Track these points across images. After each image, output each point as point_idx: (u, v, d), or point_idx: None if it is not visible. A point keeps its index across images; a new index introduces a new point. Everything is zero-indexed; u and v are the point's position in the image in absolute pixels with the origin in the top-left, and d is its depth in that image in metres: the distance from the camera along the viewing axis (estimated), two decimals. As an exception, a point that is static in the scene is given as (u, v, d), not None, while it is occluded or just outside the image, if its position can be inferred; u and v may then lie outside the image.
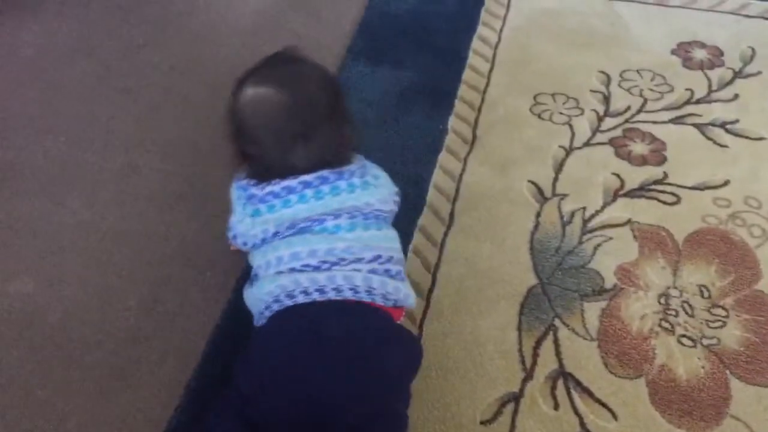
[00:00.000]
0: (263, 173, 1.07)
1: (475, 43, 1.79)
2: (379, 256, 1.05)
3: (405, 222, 1.38)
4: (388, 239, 1.09)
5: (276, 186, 1.05)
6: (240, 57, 1.71)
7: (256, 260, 1.07)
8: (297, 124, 1.04)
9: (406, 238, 1.35)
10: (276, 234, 1.05)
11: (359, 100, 1.63)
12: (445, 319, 1.23)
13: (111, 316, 1.23)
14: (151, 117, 1.59)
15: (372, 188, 1.09)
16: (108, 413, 1.11)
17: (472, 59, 1.75)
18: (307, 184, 1.04)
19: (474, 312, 1.24)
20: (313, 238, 1.03)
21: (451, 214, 1.40)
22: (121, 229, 1.36)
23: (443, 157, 1.51)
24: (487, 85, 1.68)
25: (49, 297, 1.26)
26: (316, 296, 1.00)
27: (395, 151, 1.53)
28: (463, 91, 1.67)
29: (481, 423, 1.10)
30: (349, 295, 1.00)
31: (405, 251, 1.32)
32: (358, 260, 1.03)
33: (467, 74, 1.71)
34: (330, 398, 0.94)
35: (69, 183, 1.45)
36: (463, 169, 1.49)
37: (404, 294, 1.06)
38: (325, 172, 1.05)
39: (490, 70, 1.72)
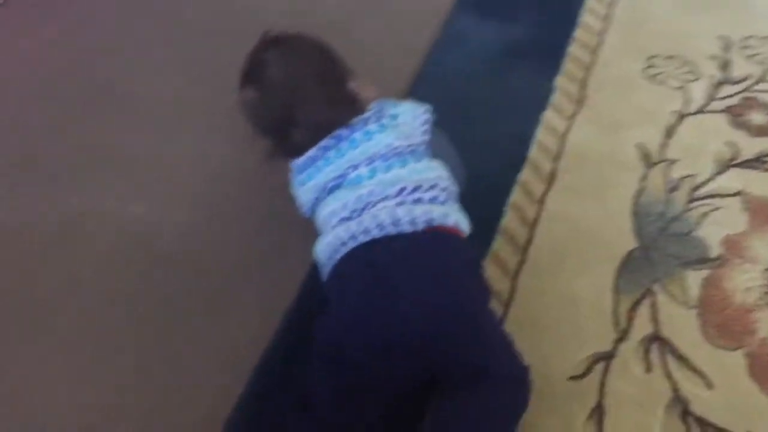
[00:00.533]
0: (292, 152, 1.15)
1: (590, 1, 1.74)
2: (404, 189, 1.07)
3: (505, 177, 1.38)
4: (415, 171, 1.11)
5: (302, 159, 1.14)
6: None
7: (317, 224, 1.14)
8: (279, 110, 1.14)
9: (505, 193, 1.35)
10: (317, 199, 1.13)
11: (465, 53, 1.62)
12: (540, 275, 1.23)
13: (217, 243, 1.29)
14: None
15: (389, 129, 1.12)
16: (211, 333, 1.17)
17: (586, 17, 1.71)
18: (326, 148, 1.12)
19: (571, 270, 1.23)
20: (341, 193, 1.09)
21: (553, 173, 1.39)
22: (231, 163, 1.41)
23: (548, 115, 1.49)
24: (599, 44, 1.64)
25: (161, 221, 1.32)
26: (352, 244, 1.04)
27: (499, 106, 1.51)
28: (573, 49, 1.63)
29: (570, 378, 1.10)
30: (376, 233, 1.04)
31: (503, 205, 1.33)
32: (384, 199, 1.07)
33: (579, 32, 1.67)
34: (403, 319, 0.98)
35: (183, 118, 1.51)
36: (569, 128, 1.46)
37: (440, 214, 1.07)
38: (338, 131, 1.11)
39: (604, 30, 1.67)
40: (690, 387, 1.08)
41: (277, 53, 1.17)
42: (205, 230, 1.31)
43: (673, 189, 1.34)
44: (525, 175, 1.38)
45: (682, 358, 1.11)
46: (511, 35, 1.66)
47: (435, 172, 1.12)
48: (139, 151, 1.45)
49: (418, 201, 1.07)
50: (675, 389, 1.08)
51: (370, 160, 1.10)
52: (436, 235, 1.06)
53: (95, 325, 1.19)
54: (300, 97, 1.14)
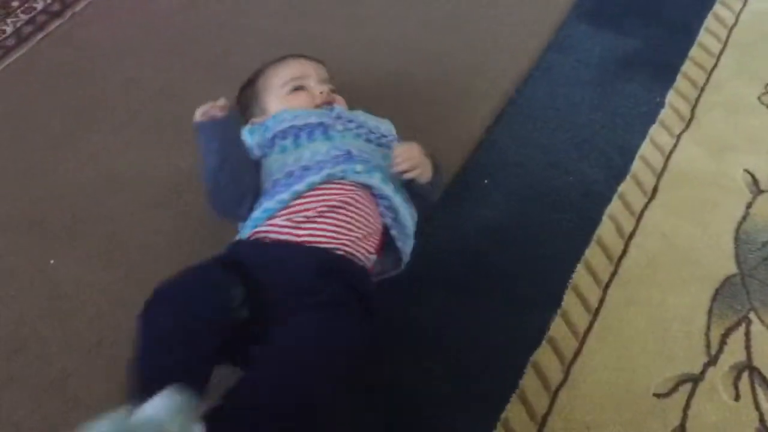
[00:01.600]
0: None
1: (709, 22, 1.70)
2: None
3: (604, 186, 1.37)
4: None
5: None
6: None
7: None
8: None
9: (603, 202, 1.34)
10: None
11: (576, 60, 1.61)
12: (631, 288, 1.21)
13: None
14: None
15: None
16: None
17: (703, 37, 1.67)
18: None
19: (664, 287, 1.21)
20: None
21: (655, 188, 1.36)
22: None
23: (655, 130, 1.46)
24: (715, 65, 1.60)
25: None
26: None
27: (606, 116, 1.49)
28: (687, 67, 1.59)
29: (654, 395, 1.08)
30: None
31: (600, 214, 1.31)
32: None
33: (695, 51, 1.63)
34: None
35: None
36: (675, 146, 1.43)
37: None
38: None
39: (721, 51, 1.63)
40: (779, 420, 1.05)
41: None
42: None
43: (780, 219, 1.30)
44: (626, 187, 1.36)
45: (773, 391, 1.08)
46: (625, 47, 1.64)
47: None
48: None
49: None
50: (762, 420, 1.05)
51: None
52: None
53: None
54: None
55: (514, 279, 1.24)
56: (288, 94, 1.28)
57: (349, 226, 1.11)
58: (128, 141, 1.43)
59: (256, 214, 1.13)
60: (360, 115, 1.29)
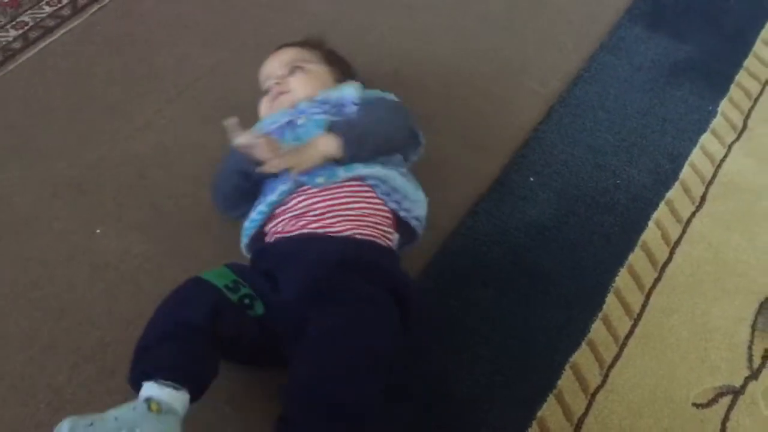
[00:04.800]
0: None
1: (766, 32, 1.67)
2: None
3: (651, 192, 1.35)
4: None
5: None
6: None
7: None
8: None
9: (650, 207, 1.33)
10: None
11: (629, 63, 1.59)
12: (674, 296, 1.20)
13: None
14: None
15: None
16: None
17: (759, 48, 1.64)
18: None
19: (708, 297, 1.19)
20: None
21: (703, 197, 1.34)
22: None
23: (706, 139, 1.44)
24: (770, 77, 1.58)
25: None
26: None
27: (656, 121, 1.48)
28: (742, 77, 1.57)
29: (694, 405, 1.07)
30: None
31: (646, 219, 1.30)
32: None
33: (750, 61, 1.61)
34: None
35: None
36: (726, 156, 1.41)
37: None
38: None
39: (777, 63, 1.61)
40: (820, 439, 1.04)
41: None
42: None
43: (831, 237, 1.28)
44: (674, 193, 1.34)
45: (815, 409, 1.06)
46: (679, 52, 1.62)
47: None
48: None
49: None
50: (803, 439, 1.04)
51: None
52: None
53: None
54: None
55: (555, 278, 1.23)
56: (264, 99, 1.28)
57: (352, 213, 1.10)
58: (176, 115, 1.44)
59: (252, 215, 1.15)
60: (325, 91, 1.24)
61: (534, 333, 1.15)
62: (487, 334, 1.15)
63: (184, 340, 0.94)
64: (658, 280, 1.22)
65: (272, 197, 1.12)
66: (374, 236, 1.10)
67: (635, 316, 1.17)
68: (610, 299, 1.19)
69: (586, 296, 1.20)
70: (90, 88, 1.48)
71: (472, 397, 1.08)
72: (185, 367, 0.92)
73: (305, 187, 1.12)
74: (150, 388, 0.89)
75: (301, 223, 1.10)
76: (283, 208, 1.13)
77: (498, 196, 1.34)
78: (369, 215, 1.11)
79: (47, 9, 1.60)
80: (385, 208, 1.14)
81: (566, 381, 1.10)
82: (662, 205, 1.33)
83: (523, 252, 1.26)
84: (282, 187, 1.12)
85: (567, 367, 1.11)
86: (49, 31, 1.56)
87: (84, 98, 1.45)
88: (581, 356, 1.12)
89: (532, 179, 1.37)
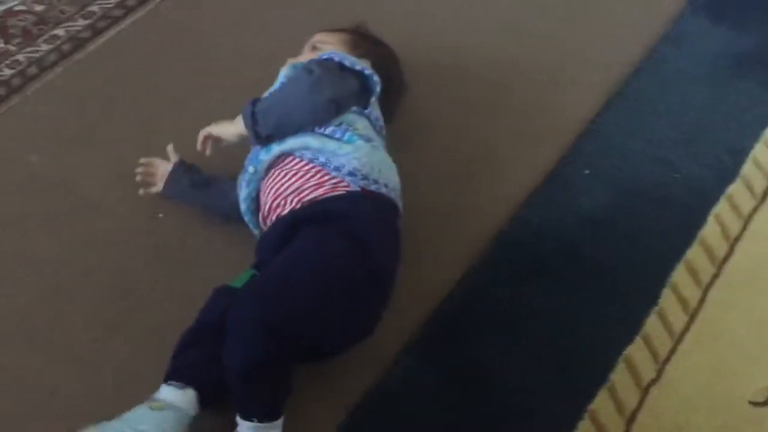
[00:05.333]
0: None
1: (835, 24, 1.63)
2: None
3: (711, 186, 1.33)
4: None
5: None
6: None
7: None
8: None
9: (709, 202, 1.30)
10: None
11: (690, 55, 1.56)
12: (733, 292, 1.18)
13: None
14: None
15: None
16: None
17: (827, 38, 1.59)
18: None
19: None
20: None
21: (765, 192, 1.32)
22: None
23: (770, 132, 1.41)
24: (839, 69, 1.53)
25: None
26: None
27: (716, 114, 1.45)
28: (808, 68, 1.53)
29: (750, 403, 1.05)
30: None
31: (705, 214, 1.28)
32: None
33: (817, 53, 1.56)
34: None
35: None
36: (790, 151, 1.38)
37: None
38: None
39: None
40: None
41: None
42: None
43: None
44: (734, 189, 1.32)
45: None
46: (741, 45, 1.58)
47: None
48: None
49: None
50: None
51: None
52: None
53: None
54: None
55: (609, 272, 1.22)
56: None
57: (293, 187, 1.15)
58: (237, 104, 1.47)
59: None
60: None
61: (587, 326, 1.15)
62: (540, 325, 1.15)
63: (196, 344, 1.05)
64: (716, 276, 1.20)
65: (242, 206, 1.21)
66: (321, 194, 1.13)
67: (692, 311, 1.16)
68: (666, 294, 1.18)
69: (641, 290, 1.19)
70: (154, 77, 1.52)
71: (524, 388, 1.08)
72: (190, 367, 1.02)
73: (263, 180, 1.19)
74: (161, 390, 1.00)
75: (271, 217, 1.17)
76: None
77: (553, 188, 1.33)
78: (310, 179, 1.14)
79: (114, -1, 1.65)
80: (321, 168, 1.15)
81: (619, 374, 1.09)
82: (722, 200, 1.31)
83: (577, 245, 1.26)
84: (243, 192, 1.21)
85: (620, 360, 1.10)
86: (116, 21, 1.61)
87: (148, 87, 1.50)
88: (635, 350, 1.11)
89: (587, 172, 1.36)
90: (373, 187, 1.14)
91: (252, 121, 1.17)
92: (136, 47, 1.57)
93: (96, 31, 1.58)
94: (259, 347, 0.97)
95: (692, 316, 1.15)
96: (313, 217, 1.11)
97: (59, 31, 1.58)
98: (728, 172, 1.35)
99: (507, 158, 1.38)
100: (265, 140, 1.18)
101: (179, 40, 1.59)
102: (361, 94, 1.22)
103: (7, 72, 1.50)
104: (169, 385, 1.00)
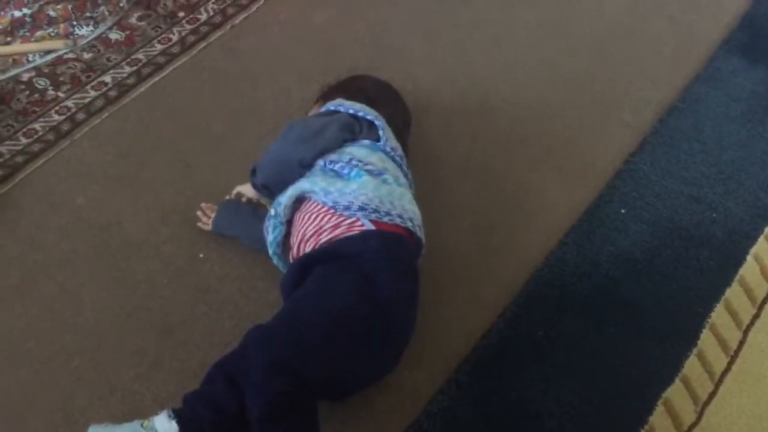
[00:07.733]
0: None
1: None
2: None
3: (750, 225, 1.32)
4: None
5: None
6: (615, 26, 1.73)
7: None
8: None
9: (748, 241, 1.30)
10: None
11: (725, 94, 1.56)
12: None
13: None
14: None
15: None
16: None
17: None
18: None
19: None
20: None
21: (806, 232, 1.30)
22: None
23: (809, 171, 1.40)
24: None
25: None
26: None
27: (754, 153, 1.45)
28: None
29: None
30: None
31: (744, 254, 1.26)
32: None
33: None
34: None
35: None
36: (831, 189, 1.37)
37: None
38: None
39: None
40: None
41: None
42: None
43: None
44: (773, 230, 1.31)
45: None
46: (777, 83, 1.58)
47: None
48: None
49: None
50: None
51: None
52: None
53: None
54: None
55: (647, 312, 1.22)
56: None
57: (310, 230, 1.19)
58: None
59: None
60: None
61: (625, 367, 1.15)
62: (577, 366, 1.15)
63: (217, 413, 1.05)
64: (756, 316, 1.19)
65: (269, 250, 1.26)
66: (338, 234, 1.16)
67: (732, 352, 1.15)
68: (706, 335, 1.17)
69: (679, 331, 1.19)
70: (196, 120, 1.57)
71: (561, 428, 1.08)
72: (189, 404, 1.04)
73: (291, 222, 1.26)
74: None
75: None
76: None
77: (588, 228, 1.34)
78: (328, 221, 1.18)
79: (158, 47, 1.70)
80: (334, 209, 1.19)
81: (658, 417, 1.08)
82: (761, 240, 1.30)
83: (613, 284, 1.26)
84: (269, 237, 1.26)
85: (659, 403, 1.10)
86: (160, 67, 1.66)
87: (191, 130, 1.54)
88: (675, 392, 1.11)
89: (623, 211, 1.36)
90: (386, 219, 1.17)
91: (251, 172, 1.31)
92: (178, 92, 1.62)
93: (141, 77, 1.64)
94: (275, 387, 1.00)
95: (732, 358, 1.14)
96: (322, 257, 1.15)
97: (106, 78, 1.64)
98: (766, 210, 1.34)
99: (541, 197, 1.39)
100: (262, 189, 1.31)
101: (219, 84, 1.64)
102: (368, 131, 1.29)
103: (57, 117, 1.56)
104: (166, 411, 1.02)
